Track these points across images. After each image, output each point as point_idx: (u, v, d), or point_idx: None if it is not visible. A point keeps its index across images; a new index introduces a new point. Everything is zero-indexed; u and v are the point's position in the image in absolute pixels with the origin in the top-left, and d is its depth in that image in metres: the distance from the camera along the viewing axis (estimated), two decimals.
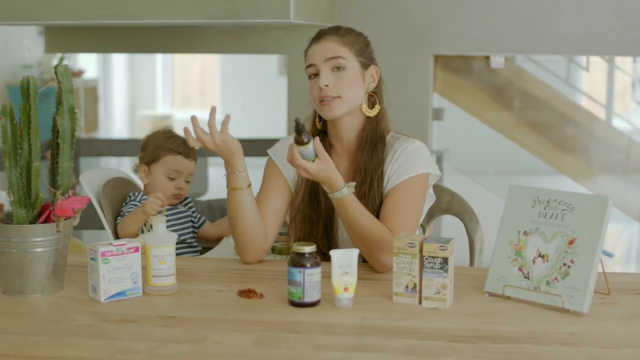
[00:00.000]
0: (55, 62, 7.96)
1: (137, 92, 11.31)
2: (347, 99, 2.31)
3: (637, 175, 5.86)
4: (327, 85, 2.28)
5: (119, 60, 10.83)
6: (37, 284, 2.01)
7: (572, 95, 6.77)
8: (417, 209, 2.34)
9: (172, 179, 2.81)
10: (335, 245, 2.38)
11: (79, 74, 8.04)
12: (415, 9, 4.14)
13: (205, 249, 2.92)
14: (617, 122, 7.14)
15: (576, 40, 4.15)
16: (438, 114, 4.54)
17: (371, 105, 2.37)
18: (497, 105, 5.26)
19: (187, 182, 2.87)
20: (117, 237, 2.71)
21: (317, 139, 2.14)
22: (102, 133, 9.26)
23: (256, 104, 10.43)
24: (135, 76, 11.26)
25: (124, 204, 2.79)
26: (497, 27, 4.17)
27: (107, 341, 1.72)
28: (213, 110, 2.16)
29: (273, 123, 9.64)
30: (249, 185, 2.25)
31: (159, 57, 11.35)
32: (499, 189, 5.48)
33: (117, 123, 10.79)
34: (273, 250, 2.63)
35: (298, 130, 2.11)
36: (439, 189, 2.74)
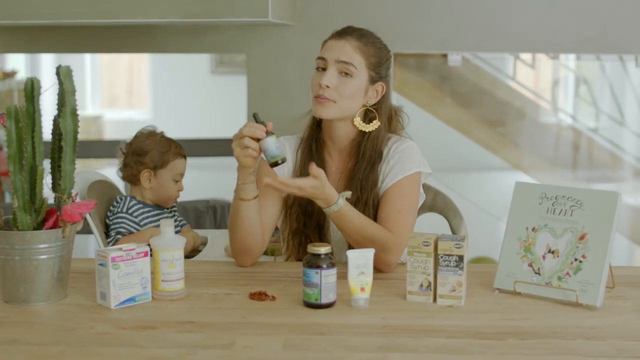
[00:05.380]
0: None
1: None
2: (341, 107, 2.28)
3: (566, 164, 6.01)
4: (327, 86, 2.27)
5: (47, 61, 10.56)
6: (42, 291, 1.94)
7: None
8: (414, 208, 2.35)
9: (176, 182, 2.77)
10: (326, 242, 2.35)
11: (12, 74, 7.81)
12: (374, 8, 4.15)
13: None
14: (561, 116, 7.31)
15: (530, 38, 4.23)
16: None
17: (369, 120, 2.35)
18: (453, 102, 5.32)
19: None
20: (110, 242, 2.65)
21: (313, 163, 2.09)
22: None
23: (187, 104, 10.29)
24: None
25: (112, 214, 2.70)
26: (455, 26, 4.22)
27: (133, 349, 1.67)
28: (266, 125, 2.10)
29: (205, 123, 9.54)
30: (256, 197, 2.21)
31: (87, 57, 11.11)
32: (458, 186, 5.54)
33: (46, 124, 10.51)
34: (265, 252, 2.61)
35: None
36: (422, 187, 2.75)
